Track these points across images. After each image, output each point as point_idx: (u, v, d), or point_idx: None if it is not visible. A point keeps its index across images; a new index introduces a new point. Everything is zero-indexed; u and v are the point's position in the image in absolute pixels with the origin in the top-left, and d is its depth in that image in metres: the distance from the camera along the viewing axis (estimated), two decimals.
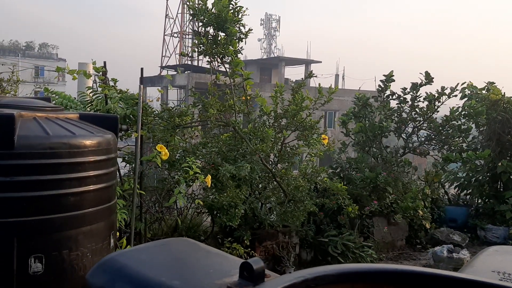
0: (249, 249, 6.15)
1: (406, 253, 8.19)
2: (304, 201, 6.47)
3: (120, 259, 1.23)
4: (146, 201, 5.91)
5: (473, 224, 9.17)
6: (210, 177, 5.07)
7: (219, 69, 6.63)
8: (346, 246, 7.12)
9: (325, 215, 7.72)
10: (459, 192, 10.07)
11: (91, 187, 3.69)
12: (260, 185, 7.01)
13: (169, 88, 16.72)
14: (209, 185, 5.11)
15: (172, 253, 1.28)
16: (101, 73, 5.51)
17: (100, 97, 5.55)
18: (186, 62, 33.12)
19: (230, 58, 5.80)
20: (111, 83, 6.05)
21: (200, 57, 6.28)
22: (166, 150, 4.91)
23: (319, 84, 6.69)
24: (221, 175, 5.54)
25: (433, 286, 1.17)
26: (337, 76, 37.93)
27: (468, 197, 10.03)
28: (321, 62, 39.31)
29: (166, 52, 40.50)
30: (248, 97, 6.18)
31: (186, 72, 29.86)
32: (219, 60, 5.90)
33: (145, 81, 31.11)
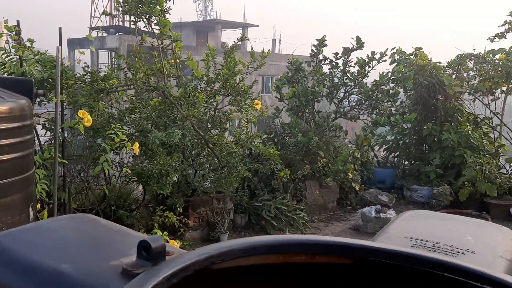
0: (182, 216, 6.07)
1: (337, 214, 8.48)
2: (237, 167, 6.43)
3: (4, 240, 1.08)
4: (71, 170, 5.62)
5: (400, 185, 9.63)
6: (137, 144, 4.87)
7: (149, 30, 6.29)
8: (279, 209, 7.23)
9: (259, 180, 7.76)
10: (387, 154, 10.48)
11: (4, 157, 3.43)
12: (193, 152, 6.88)
13: (92, 50, 15.73)
14: (137, 153, 4.93)
15: (66, 232, 1.15)
16: (14, 32, 5.05)
17: (14, 59, 5.11)
18: (118, 23, 31.47)
19: (157, 18, 5.50)
20: (27, 44, 5.59)
21: (133, 18, 5.91)
22: (89, 117, 4.65)
23: (252, 48, 6.55)
24: (150, 142, 5.35)
25: (343, 255, 1.14)
26: (274, 40, 37.73)
27: (396, 159, 10.47)
28: (258, 26, 38.84)
29: (95, 12, 38.21)
30: (178, 60, 5.94)
31: (117, 34, 28.43)
32: (145, 20, 5.59)
33: (73, 42, 29.27)
